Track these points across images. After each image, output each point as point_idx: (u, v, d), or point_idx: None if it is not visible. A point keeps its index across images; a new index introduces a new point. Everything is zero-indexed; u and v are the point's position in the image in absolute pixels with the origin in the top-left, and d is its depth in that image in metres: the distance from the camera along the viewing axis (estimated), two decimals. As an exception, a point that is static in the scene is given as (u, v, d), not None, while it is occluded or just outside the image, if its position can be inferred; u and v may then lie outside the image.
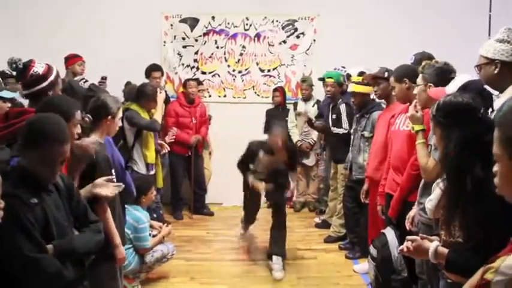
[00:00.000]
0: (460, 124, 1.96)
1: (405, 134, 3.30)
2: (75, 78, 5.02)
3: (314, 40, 6.58)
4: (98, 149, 2.76)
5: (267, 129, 5.77)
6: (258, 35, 6.56)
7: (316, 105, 6.18)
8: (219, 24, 6.52)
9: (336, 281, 4.36)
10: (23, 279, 1.85)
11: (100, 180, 2.58)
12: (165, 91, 5.94)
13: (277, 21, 6.56)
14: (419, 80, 2.96)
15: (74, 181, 2.44)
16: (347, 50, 6.13)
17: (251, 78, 6.60)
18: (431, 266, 2.64)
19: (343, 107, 5.13)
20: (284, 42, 6.60)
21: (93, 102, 2.90)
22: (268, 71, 6.63)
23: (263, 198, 5.01)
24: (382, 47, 6.08)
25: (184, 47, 6.54)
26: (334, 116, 5.26)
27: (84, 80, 4.76)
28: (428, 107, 2.93)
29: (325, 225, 5.62)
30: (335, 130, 5.20)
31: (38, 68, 2.93)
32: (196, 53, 6.55)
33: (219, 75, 6.61)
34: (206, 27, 6.51)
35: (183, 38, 6.51)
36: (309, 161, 6.33)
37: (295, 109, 6.29)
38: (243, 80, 6.58)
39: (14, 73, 3.08)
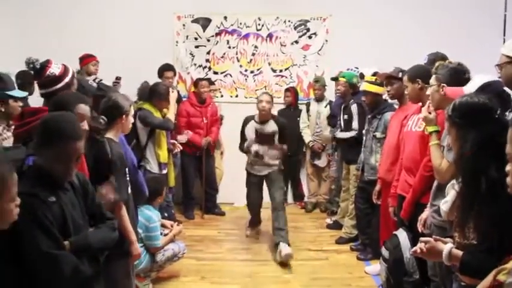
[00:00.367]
0: (476, 125, 1.93)
1: (418, 135, 3.28)
2: (87, 78, 5.06)
3: (326, 40, 6.56)
4: (113, 146, 2.79)
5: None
6: (270, 35, 6.56)
7: (328, 106, 6.16)
8: (231, 25, 6.53)
9: (348, 282, 4.34)
10: (42, 275, 1.87)
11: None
12: (178, 91, 5.97)
13: (289, 21, 6.55)
14: (432, 81, 2.94)
15: None
16: (359, 50, 6.11)
17: (263, 79, 6.60)
18: (444, 268, 2.62)
19: (354, 107, 5.11)
20: (296, 42, 6.59)
21: (105, 103, 2.92)
22: (280, 71, 6.63)
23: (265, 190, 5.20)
24: (394, 47, 6.05)
25: (197, 47, 6.56)
26: (345, 117, 5.24)
27: (98, 80, 4.81)
28: (441, 108, 2.91)
29: (336, 226, 5.60)
30: (340, 135, 5.16)
31: (55, 69, 2.96)
32: (208, 53, 6.56)
33: (231, 75, 6.62)
34: (218, 27, 6.53)
35: (196, 38, 6.53)
36: (321, 162, 6.32)
37: (307, 110, 6.28)
38: (255, 80, 6.58)
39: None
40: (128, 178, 2.94)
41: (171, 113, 4.88)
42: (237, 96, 6.63)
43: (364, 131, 4.71)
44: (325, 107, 6.19)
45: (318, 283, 4.34)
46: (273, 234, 5.05)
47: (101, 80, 5.28)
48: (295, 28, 6.56)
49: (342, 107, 5.38)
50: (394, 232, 3.55)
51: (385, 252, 3.57)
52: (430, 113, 2.96)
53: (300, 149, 6.46)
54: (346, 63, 5.57)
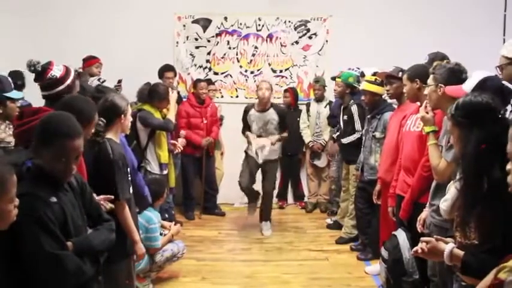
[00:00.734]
0: (479, 124, 1.93)
1: (416, 135, 3.29)
2: (91, 78, 5.08)
3: (326, 41, 6.56)
4: (114, 147, 2.80)
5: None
6: (270, 36, 6.56)
7: (328, 106, 6.16)
8: (232, 25, 6.54)
9: (348, 283, 4.34)
10: (45, 275, 1.88)
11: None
12: (178, 91, 5.98)
13: (289, 21, 6.55)
14: (430, 81, 2.93)
15: None
16: (359, 50, 6.11)
17: (263, 79, 6.58)
18: (445, 268, 2.62)
19: (354, 108, 5.10)
20: (296, 42, 6.59)
21: (102, 104, 2.90)
22: (281, 71, 6.63)
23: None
24: (394, 47, 6.05)
25: (197, 47, 6.56)
26: (345, 117, 5.24)
27: (102, 80, 4.82)
28: (439, 108, 2.92)
29: (336, 226, 5.61)
30: (345, 141, 5.17)
31: (56, 72, 2.95)
32: (208, 53, 6.57)
33: (231, 76, 6.63)
34: (219, 28, 6.53)
35: (196, 39, 6.54)
36: (321, 162, 6.32)
37: (307, 110, 6.28)
38: (255, 81, 6.57)
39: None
40: (129, 178, 2.95)
41: (171, 114, 4.90)
42: (237, 96, 6.63)
43: (363, 131, 4.72)
44: (325, 107, 6.19)
45: (318, 283, 4.33)
46: (259, 215, 5.63)
47: (104, 80, 5.31)
48: (295, 28, 6.57)
49: (342, 107, 5.37)
50: (393, 232, 3.56)
51: (384, 252, 3.58)
52: (427, 112, 2.96)
53: (300, 149, 6.46)
54: (346, 64, 5.57)
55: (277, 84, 6.58)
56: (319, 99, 6.24)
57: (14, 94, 3.05)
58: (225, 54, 6.57)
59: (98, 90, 3.45)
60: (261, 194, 5.59)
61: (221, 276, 4.45)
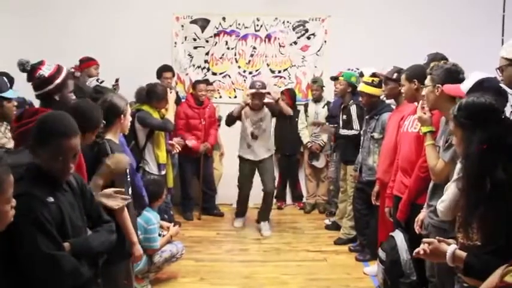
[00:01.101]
0: (482, 125, 1.92)
1: (413, 135, 3.29)
2: (90, 79, 5.08)
3: (325, 41, 6.56)
4: (113, 148, 2.80)
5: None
6: (268, 36, 6.56)
7: (326, 107, 6.17)
8: (230, 25, 6.53)
9: (346, 283, 4.34)
10: (41, 276, 1.87)
11: (109, 190, 2.61)
12: (177, 92, 5.97)
13: (288, 22, 6.55)
14: (427, 81, 2.93)
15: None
16: (358, 51, 6.11)
17: (257, 79, 6.57)
18: (444, 269, 2.62)
19: (353, 108, 5.11)
20: (295, 43, 6.59)
21: (101, 104, 2.89)
22: (279, 72, 6.63)
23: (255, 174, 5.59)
24: (393, 47, 6.04)
25: (195, 47, 6.55)
26: (344, 117, 5.25)
27: (100, 80, 4.82)
28: (436, 108, 2.93)
29: (335, 227, 5.61)
30: (343, 132, 5.19)
31: (45, 71, 2.93)
32: (207, 53, 6.56)
33: (229, 76, 6.63)
34: (217, 28, 6.53)
35: (194, 39, 6.53)
36: (319, 163, 6.32)
37: (305, 110, 6.29)
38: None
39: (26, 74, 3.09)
40: (128, 179, 2.94)
41: (170, 114, 4.89)
42: (235, 97, 6.63)
43: (361, 132, 4.72)
44: (323, 107, 6.19)
45: (317, 284, 4.34)
46: (257, 216, 5.75)
47: (103, 80, 5.30)
48: (293, 29, 6.56)
49: (341, 107, 5.38)
50: (391, 233, 3.56)
51: (381, 253, 3.58)
52: (424, 113, 2.97)
53: (298, 149, 6.46)
54: (344, 64, 5.57)
55: (275, 85, 6.58)
56: (317, 99, 6.25)
57: (10, 94, 3.04)
58: (223, 55, 6.57)
59: (96, 91, 3.44)
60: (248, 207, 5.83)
61: (220, 277, 4.45)
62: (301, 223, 6.06)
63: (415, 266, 3.35)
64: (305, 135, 6.27)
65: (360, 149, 4.61)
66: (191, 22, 6.51)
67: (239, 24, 6.54)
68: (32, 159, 2.00)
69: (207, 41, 6.53)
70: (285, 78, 6.63)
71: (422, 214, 2.96)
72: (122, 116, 2.94)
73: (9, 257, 1.82)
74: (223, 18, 6.52)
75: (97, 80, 5.31)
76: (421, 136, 3.06)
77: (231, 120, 5.51)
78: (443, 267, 2.59)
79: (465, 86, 2.49)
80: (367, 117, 4.58)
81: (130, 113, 3.15)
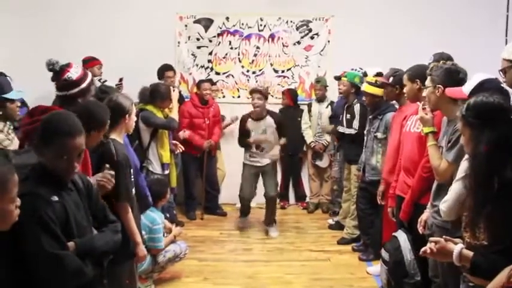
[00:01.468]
0: (490, 125, 1.91)
1: (416, 135, 3.29)
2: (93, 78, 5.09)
3: (328, 41, 6.56)
4: (118, 147, 2.80)
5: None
6: (272, 36, 6.56)
7: (330, 106, 6.16)
8: (233, 25, 6.53)
9: (350, 283, 4.34)
10: (45, 275, 1.87)
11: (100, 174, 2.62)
12: (180, 91, 5.99)
13: (291, 21, 6.55)
14: (427, 82, 2.93)
15: None
16: (361, 51, 6.11)
17: (265, 79, 6.59)
18: (448, 269, 2.62)
19: (357, 107, 5.10)
20: (298, 43, 6.58)
21: (106, 104, 2.90)
22: (282, 71, 6.63)
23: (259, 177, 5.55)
24: (396, 47, 6.04)
25: (199, 47, 6.56)
26: (348, 116, 5.24)
27: (103, 80, 4.82)
28: (438, 109, 2.93)
29: (338, 226, 5.60)
30: (341, 129, 5.19)
31: (73, 74, 2.95)
32: (210, 53, 6.57)
33: (233, 76, 6.63)
34: (220, 28, 6.53)
35: (198, 39, 6.54)
36: (322, 163, 6.32)
37: (309, 110, 6.28)
38: (257, 81, 6.57)
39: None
40: (132, 179, 2.95)
41: (174, 113, 4.90)
42: (239, 96, 6.63)
43: (365, 132, 4.72)
44: (327, 107, 6.19)
45: (320, 284, 4.34)
46: (264, 219, 5.67)
47: (105, 80, 5.32)
48: (297, 29, 6.56)
49: (345, 106, 5.37)
50: (394, 234, 3.56)
51: (385, 254, 3.58)
52: (426, 113, 2.96)
53: (300, 148, 6.46)
54: (348, 64, 5.57)
55: (279, 85, 6.59)
56: (320, 99, 6.24)
57: (13, 95, 3.04)
58: (226, 54, 6.57)
59: (102, 91, 3.45)
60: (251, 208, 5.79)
61: (223, 277, 4.45)
62: (304, 223, 6.07)
63: (418, 266, 3.35)
64: (308, 135, 6.26)
65: (364, 149, 4.61)
66: (195, 22, 6.51)
67: (242, 24, 6.54)
68: (38, 160, 2.01)
69: (210, 41, 6.53)
70: (288, 78, 6.63)
71: (426, 214, 2.96)
72: (127, 115, 2.95)
73: (14, 256, 1.83)
74: (227, 18, 6.52)
75: (99, 80, 5.34)
76: (423, 136, 3.06)
77: (243, 145, 5.46)
78: (447, 267, 2.60)
79: (467, 88, 2.50)
80: (370, 117, 4.58)
81: (135, 112, 3.16)
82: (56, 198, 1.92)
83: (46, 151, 1.96)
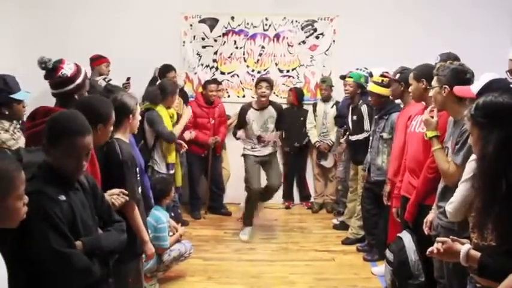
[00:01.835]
0: (499, 125, 1.90)
1: (421, 135, 3.27)
2: (97, 78, 5.10)
3: (333, 41, 6.55)
4: (123, 147, 2.81)
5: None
6: (277, 36, 6.56)
7: (335, 106, 6.15)
8: (239, 25, 6.53)
9: (354, 283, 4.34)
10: (53, 273, 1.89)
11: (114, 191, 2.62)
12: (182, 87, 6.00)
13: (296, 21, 6.54)
14: (434, 82, 2.92)
15: None
16: (366, 50, 6.09)
17: (262, 76, 6.55)
18: (453, 270, 2.62)
19: (364, 108, 5.06)
20: (303, 42, 6.58)
21: (111, 103, 2.92)
22: (287, 71, 6.63)
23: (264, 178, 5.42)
24: (402, 47, 6.01)
25: (204, 47, 6.56)
26: (354, 117, 5.21)
27: (108, 79, 4.82)
28: (444, 109, 2.92)
29: (343, 226, 5.60)
30: (355, 138, 5.13)
31: (67, 70, 2.94)
32: (215, 53, 6.57)
33: (238, 76, 6.63)
34: (225, 28, 6.53)
35: (203, 38, 6.54)
36: (327, 163, 6.31)
37: (314, 110, 6.28)
38: (261, 79, 6.57)
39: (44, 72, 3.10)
40: (138, 178, 2.95)
41: (178, 127, 4.88)
42: (244, 96, 6.63)
43: (371, 132, 4.71)
44: (332, 107, 6.18)
45: (324, 284, 4.34)
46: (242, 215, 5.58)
47: (110, 79, 5.32)
48: (302, 28, 6.55)
49: (351, 108, 5.35)
50: (398, 234, 3.55)
51: (389, 254, 3.57)
52: (432, 116, 2.95)
53: (304, 139, 6.42)
54: (353, 64, 5.56)
55: (284, 84, 6.59)
56: (325, 99, 6.24)
57: (20, 95, 3.05)
58: (231, 54, 6.57)
59: (107, 90, 3.45)
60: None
61: (227, 276, 4.46)
62: (309, 223, 6.06)
63: (423, 267, 3.34)
64: (313, 135, 6.25)
65: (369, 149, 4.60)
66: (200, 21, 6.52)
67: (248, 23, 6.54)
68: (44, 158, 2.02)
69: (215, 41, 6.53)
70: (293, 77, 6.63)
71: (431, 215, 2.95)
72: (131, 115, 2.94)
73: (21, 254, 1.84)
74: (232, 18, 6.52)
75: (104, 79, 5.35)
76: (427, 137, 3.04)
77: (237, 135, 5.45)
78: (453, 268, 2.59)
79: (475, 87, 2.48)
80: (376, 117, 4.56)
81: (140, 112, 3.16)
82: (63, 197, 1.93)
83: (54, 151, 1.97)
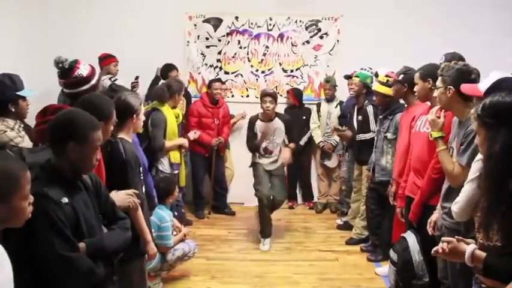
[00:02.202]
0: (507, 125, 1.89)
1: (425, 136, 3.26)
2: (103, 77, 5.12)
3: (338, 40, 6.54)
4: (126, 146, 2.81)
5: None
6: (281, 35, 6.55)
7: (339, 106, 6.14)
8: (243, 25, 6.53)
9: (358, 284, 4.34)
10: (56, 277, 1.90)
11: (122, 192, 2.63)
12: (188, 91, 6.00)
13: (300, 21, 6.53)
14: (438, 83, 2.91)
15: None
16: (370, 50, 6.08)
17: (274, 79, 6.59)
18: (458, 271, 2.61)
19: (370, 109, 5.03)
20: (307, 42, 6.57)
21: (115, 102, 2.90)
22: (291, 71, 6.62)
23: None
24: (406, 47, 6.00)
25: (208, 47, 6.56)
26: (360, 118, 5.20)
27: (114, 79, 4.82)
28: (449, 110, 2.91)
29: (346, 226, 5.59)
30: (360, 137, 5.12)
31: (83, 70, 2.97)
32: (219, 53, 6.57)
33: (242, 75, 6.63)
34: (229, 28, 6.53)
35: (207, 38, 6.54)
36: (331, 163, 6.31)
37: (318, 110, 6.27)
38: (266, 80, 6.58)
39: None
40: (142, 177, 2.96)
41: (172, 142, 4.87)
42: (247, 96, 6.63)
43: (375, 132, 4.69)
44: (336, 107, 6.17)
45: (328, 284, 4.34)
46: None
47: (116, 79, 5.33)
48: (306, 28, 6.55)
49: (356, 108, 5.34)
50: (403, 234, 3.54)
51: (393, 255, 3.56)
52: (438, 117, 2.94)
53: (305, 149, 6.43)
54: (357, 64, 5.55)
55: (288, 84, 6.58)
56: (329, 99, 6.23)
57: (25, 92, 3.07)
58: (235, 54, 6.57)
59: (112, 89, 3.46)
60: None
61: (231, 276, 4.46)
62: (312, 223, 6.06)
63: (427, 267, 3.33)
64: (317, 135, 6.25)
65: (374, 149, 4.58)
66: (204, 21, 6.52)
67: (252, 23, 6.53)
68: (50, 159, 2.02)
69: (219, 40, 6.54)
70: (297, 77, 6.62)
71: (435, 215, 2.94)
72: (135, 115, 2.95)
73: (26, 253, 1.85)
74: (236, 18, 6.52)
75: (110, 79, 5.37)
76: (433, 135, 3.03)
77: (253, 147, 5.29)
78: (458, 268, 2.58)
79: (483, 86, 2.46)
80: (380, 117, 4.55)
81: (145, 112, 3.17)
82: (65, 200, 1.93)
83: (65, 148, 1.98)
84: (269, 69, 6.60)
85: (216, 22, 6.53)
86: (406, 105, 4.25)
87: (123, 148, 2.80)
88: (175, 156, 4.91)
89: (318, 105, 6.31)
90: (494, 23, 6.26)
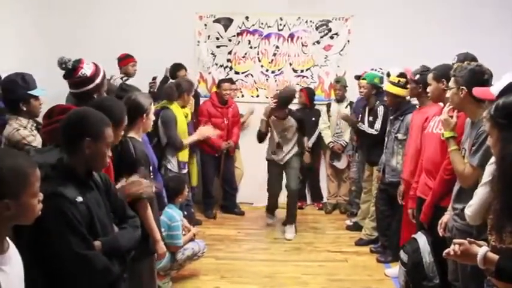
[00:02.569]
0: None
1: (438, 137, 3.24)
2: (114, 77, 5.14)
3: (348, 41, 6.51)
4: (136, 145, 2.83)
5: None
6: (291, 35, 6.54)
7: (349, 107, 6.12)
8: (253, 25, 6.53)
9: (367, 285, 4.32)
10: (72, 275, 1.91)
11: (133, 178, 2.64)
12: (197, 91, 6.00)
13: (311, 21, 6.52)
14: (451, 83, 2.89)
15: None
16: (381, 50, 6.04)
17: (284, 79, 6.58)
18: (468, 273, 2.59)
19: (381, 109, 5.01)
20: (318, 42, 6.55)
21: (125, 102, 2.92)
22: (302, 71, 6.61)
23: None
24: (417, 48, 5.95)
25: (218, 46, 6.57)
26: (371, 118, 5.16)
27: (125, 79, 4.82)
28: (462, 110, 2.89)
29: (356, 227, 5.57)
30: (362, 127, 5.13)
31: (86, 70, 2.99)
32: (229, 53, 6.57)
33: (252, 75, 6.63)
34: (240, 27, 6.53)
35: (217, 38, 6.55)
36: (340, 164, 6.28)
37: (328, 110, 6.25)
38: (276, 80, 6.57)
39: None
40: (152, 176, 2.97)
41: (190, 139, 4.89)
42: (258, 96, 6.63)
43: (386, 132, 4.67)
44: (346, 107, 6.14)
45: (337, 285, 4.33)
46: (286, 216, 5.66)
47: (127, 78, 5.35)
48: (316, 28, 6.53)
49: (367, 109, 5.32)
50: (413, 235, 3.53)
51: (403, 256, 3.55)
52: (451, 116, 2.92)
53: (316, 149, 6.42)
54: (367, 64, 5.53)
55: (298, 84, 6.56)
56: (339, 99, 6.20)
57: (37, 91, 3.10)
58: (246, 54, 6.57)
59: (122, 89, 3.48)
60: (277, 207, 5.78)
61: (240, 276, 4.47)
62: (322, 223, 6.04)
63: (437, 269, 3.31)
64: (327, 135, 6.23)
65: (384, 150, 4.56)
66: (214, 21, 6.53)
67: (262, 23, 6.53)
68: (62, 158, 2.03)
69: (230, 40, 6.54)
70: (307, 77, 6.60)
71: (446, 217, 2.92)
72: (145, 115, 2.97)
73: (37, 251, 1.86)
74: (247, 18, 6.52)
75: (121, 79, 5.38)
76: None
77: (260, 136, 5.44)
78: (468, 271, 2.57)
79: (496, 89, 2.44)
80: (391, 117, 4.53)
81: (155, 111, 3.18)
82: (80, 198, 1.95)
83: (77, 146, 1.99)
84: (279, 69, 6.59)
85: (227, 22, 6.53)
86: (418, 105, 4.23)
87: (133, 147, 2.82)
88: (183, 155, 4.91)
89: (328, 106, 6.29)
90: (506, 24, 6.20)
